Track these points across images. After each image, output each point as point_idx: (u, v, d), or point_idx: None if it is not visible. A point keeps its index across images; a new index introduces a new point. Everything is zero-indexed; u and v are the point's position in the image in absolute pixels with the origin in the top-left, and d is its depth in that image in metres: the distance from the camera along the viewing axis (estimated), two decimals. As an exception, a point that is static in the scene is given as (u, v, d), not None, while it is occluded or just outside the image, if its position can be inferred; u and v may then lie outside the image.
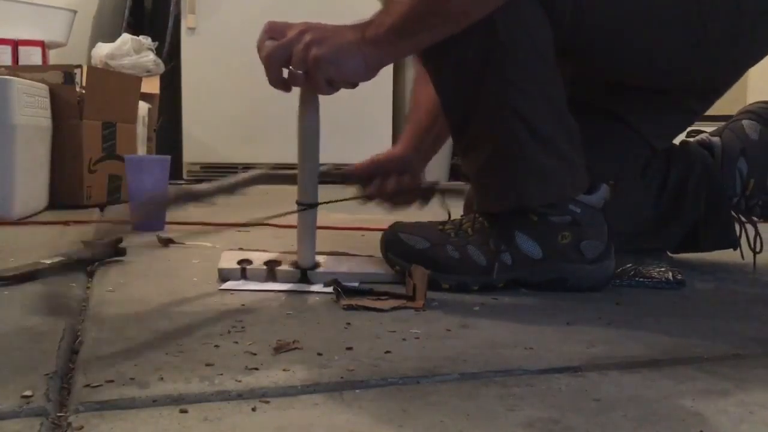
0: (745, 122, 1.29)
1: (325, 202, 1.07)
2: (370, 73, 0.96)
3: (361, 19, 0.96)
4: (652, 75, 1.12)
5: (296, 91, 1.00)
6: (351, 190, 1.19)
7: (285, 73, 0.96)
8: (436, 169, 3.45)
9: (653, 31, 1.06)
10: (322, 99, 1.00)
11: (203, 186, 1.08)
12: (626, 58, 1.09)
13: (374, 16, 0.96)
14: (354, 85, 0.98)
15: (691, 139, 1.33)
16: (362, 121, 3.20)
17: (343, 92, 1.00)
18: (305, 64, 0.93)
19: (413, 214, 1.20)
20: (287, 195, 1.06)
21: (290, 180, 1.13)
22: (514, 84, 0.99)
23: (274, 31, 0.96)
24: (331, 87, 0.96)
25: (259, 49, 0.96)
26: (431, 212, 1.21)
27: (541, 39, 1.01)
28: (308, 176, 1.04)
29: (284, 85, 0.98)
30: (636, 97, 1.17)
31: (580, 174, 1.03)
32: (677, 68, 1.11)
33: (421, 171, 1.25)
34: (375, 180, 1.18)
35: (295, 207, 1.04)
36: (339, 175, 1.17)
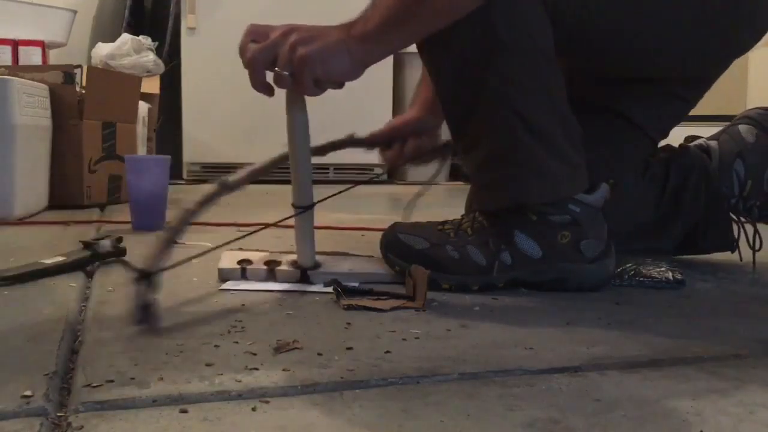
0: (741, 126, 1.30)
1: (320, 201, 1.07)
2: (357, 70, 0.95)
3: (348, 19, 0.96)
4: (653, 64, 1.12)
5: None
6: (339, 187, 1.19)
7: (270, 76, 0.95)
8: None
9: (656, 18, 1.06)
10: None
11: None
12: (629, 47, 1.08)
13: (360, 15, 0.95)
14: (341, 85, 0.97)
15: (690, 144, 1.34)
16: (363, 119, 3.18)
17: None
18: (292, 65, 0.92)
19: (417, 215, 1.21)
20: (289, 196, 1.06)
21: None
22: (514, 83, 0.99)
23: (256, 33, 0.95)
24: (318, 88, 0.95)
25: (242, 52, 0.94)
26: (432, 213, 1.21)
27: (541, 37, 1.00)
28: (302, 178, 1.03)
29: (268, 89, 0.96)
30: (632, 90, 1.18)
31: (579, 173, 1.03)
32: (677, 55, 1.11)
33: (437, 131, 1.27)
34: (395, 144, 1.21)
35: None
36: (361, 142, 1.19)
